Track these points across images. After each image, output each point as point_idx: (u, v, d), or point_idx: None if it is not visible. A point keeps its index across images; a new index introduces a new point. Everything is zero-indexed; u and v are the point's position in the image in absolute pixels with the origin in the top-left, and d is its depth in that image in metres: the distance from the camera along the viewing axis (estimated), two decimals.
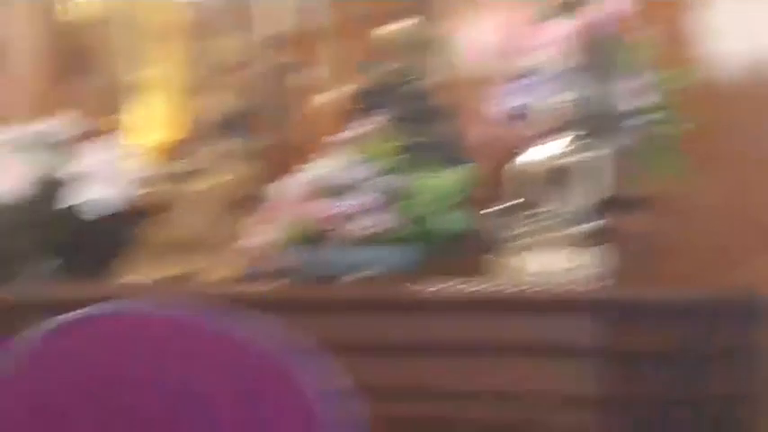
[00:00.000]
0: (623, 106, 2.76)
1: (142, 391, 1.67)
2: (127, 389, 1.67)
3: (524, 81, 2.83)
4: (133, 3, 3.30)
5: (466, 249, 2.76)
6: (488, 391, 2.55)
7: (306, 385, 1.64)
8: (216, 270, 2.91)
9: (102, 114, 3.27)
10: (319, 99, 3.18)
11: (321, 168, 2.80)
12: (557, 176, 2.67)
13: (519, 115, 2.83)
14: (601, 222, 2.64)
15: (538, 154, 2.72)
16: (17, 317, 2.93)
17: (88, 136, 3.14)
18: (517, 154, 2.78)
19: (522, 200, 2.72)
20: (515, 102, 2.83)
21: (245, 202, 3.01)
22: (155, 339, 1.71)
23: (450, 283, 2.66)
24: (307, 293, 2.68)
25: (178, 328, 1.73)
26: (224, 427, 1.67)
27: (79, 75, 3.41)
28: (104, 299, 2.90)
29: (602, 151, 2.66)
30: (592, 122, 2.71)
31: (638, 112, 2.74)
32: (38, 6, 3.55)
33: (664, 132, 2.76)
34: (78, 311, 1.80)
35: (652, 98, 2.77)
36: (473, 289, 2.64)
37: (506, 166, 2.77)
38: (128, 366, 1.68)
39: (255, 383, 1.68)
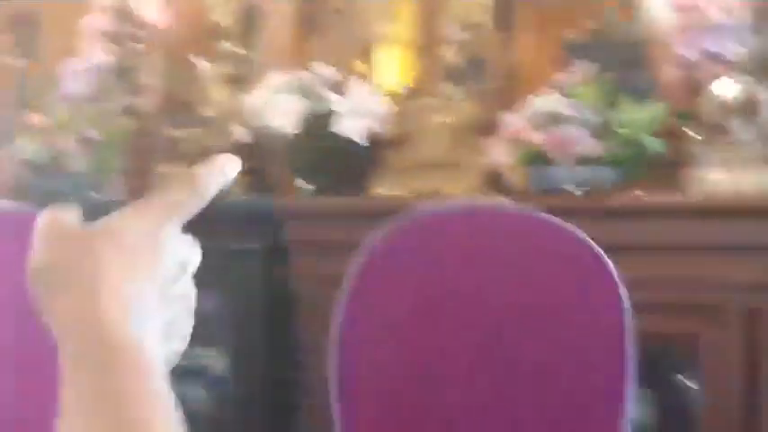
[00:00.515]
0: None
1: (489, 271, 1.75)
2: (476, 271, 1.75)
3: (709, 33, 2.81)
4: None
5: (664, 167, 2.77)
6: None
7: (614, 272, 1.70)
8: (455, 185, 2.96)
9: (351, 63, 3.32)
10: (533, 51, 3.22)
11: (543, 103, 2.83)
12: (739, 109, 2.67)
13: (705, 59, 2.80)
14: None
15: (722, 91, 2.69)
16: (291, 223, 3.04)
17: (341, 80, 3.22)
18: (704, 91, 2.74)
19: (712, 126, 2.69)
20: (703, 48, 2.80)
21: (479, 130, 3.04)
22: (506, 229, 1.81)
23: (650, 195, 2.73)
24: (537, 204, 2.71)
25: (525, 222, 1.83)
26: (553, 306, 1.74)
27: (325, 32, 3.47)
28: (363, 209, 3.00)
29: None
30: (761, 68, 2.72)
31: None
32: None
33: None
34: (423, 210, 1.87)
35: None
36: (679, 199, 2.71)
37: (698, 100, 2.73)
38: (475, 252, 1.77)
39: (583, 270, 1.75)
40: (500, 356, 1.69)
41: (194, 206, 0.81)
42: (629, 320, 1.68)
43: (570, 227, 1.77)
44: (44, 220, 0.81)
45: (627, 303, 1.68)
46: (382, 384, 1.66)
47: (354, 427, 1.67)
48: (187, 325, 0.83)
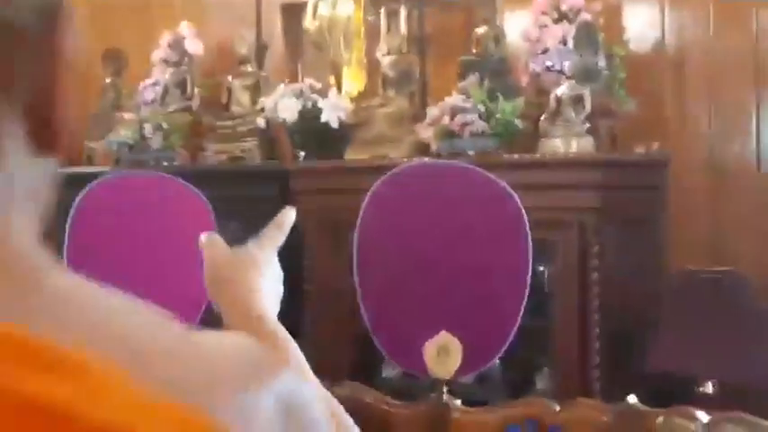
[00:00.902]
0: (599, 66, 2.79)
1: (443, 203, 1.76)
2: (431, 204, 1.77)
3: (548, 54, 2.90)
4: (338, 18, 3.27)
5: (525, 138, 2.84)
6: None
7: (515, 197, 1.76)
8: (397, 152, 3.01)
9: (326, 77, 3.32)
10: (441, 67, 3.25)
11: (450, 100, 2.91)
12: (569, 102, 2.73)
13: (548, 70, 2.89)
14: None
15: (559, 90, 2.76)
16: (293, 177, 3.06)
17: (321, 88, 3.26)
18: (547, 90, 2.83)
19: (553, 112, 2.74)
20: (545, 64, 2.90)
21: (409, 118, 3.09)
22: (447, 179, 1.82)
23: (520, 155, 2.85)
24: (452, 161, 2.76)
25: (460, 171, 1.86)
26: (481, 216, 1.75)
27: (308, 58, 3.44)
28: (339, 168, 3.00)
29: (587, 89, 2.77)
30: (581, 74, 2.79)
31: (604, 69, 2.83)
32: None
33: (616, 78, 2.85)
34: (400, 166, 1.94)
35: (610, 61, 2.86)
36: (536, 157, 2.78)
37: (544, 96, 2.84)
38: (427, 194, 1.77)
39: (496, 195, 1.72)
40: (450, 245, 1.68)
41: (282, 238, 0.91)
42: (526, 227, 1.70)
43: (482, 170, 1.80)
44: (206, 247, 0.88)
45: (525, 216, 1.69)
46: (384, 260, 1.73)
47: (367, 288, 1.69)
48: (278, 305, 0.88)
